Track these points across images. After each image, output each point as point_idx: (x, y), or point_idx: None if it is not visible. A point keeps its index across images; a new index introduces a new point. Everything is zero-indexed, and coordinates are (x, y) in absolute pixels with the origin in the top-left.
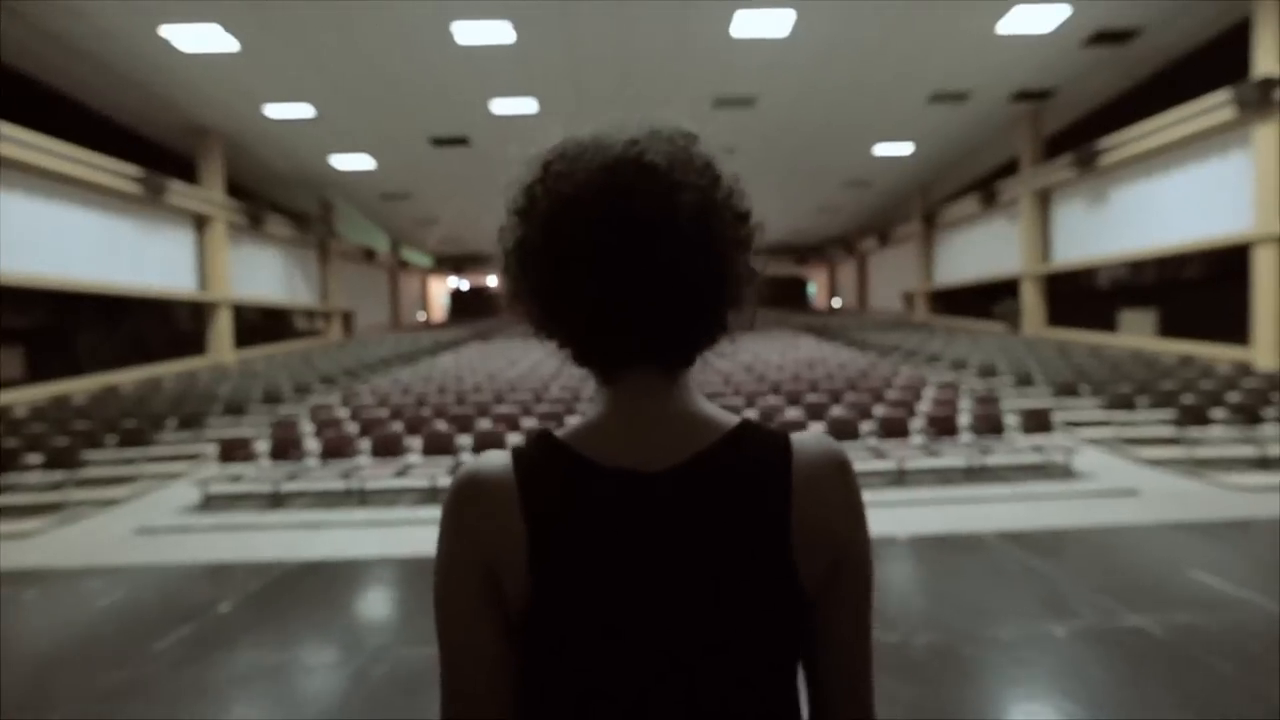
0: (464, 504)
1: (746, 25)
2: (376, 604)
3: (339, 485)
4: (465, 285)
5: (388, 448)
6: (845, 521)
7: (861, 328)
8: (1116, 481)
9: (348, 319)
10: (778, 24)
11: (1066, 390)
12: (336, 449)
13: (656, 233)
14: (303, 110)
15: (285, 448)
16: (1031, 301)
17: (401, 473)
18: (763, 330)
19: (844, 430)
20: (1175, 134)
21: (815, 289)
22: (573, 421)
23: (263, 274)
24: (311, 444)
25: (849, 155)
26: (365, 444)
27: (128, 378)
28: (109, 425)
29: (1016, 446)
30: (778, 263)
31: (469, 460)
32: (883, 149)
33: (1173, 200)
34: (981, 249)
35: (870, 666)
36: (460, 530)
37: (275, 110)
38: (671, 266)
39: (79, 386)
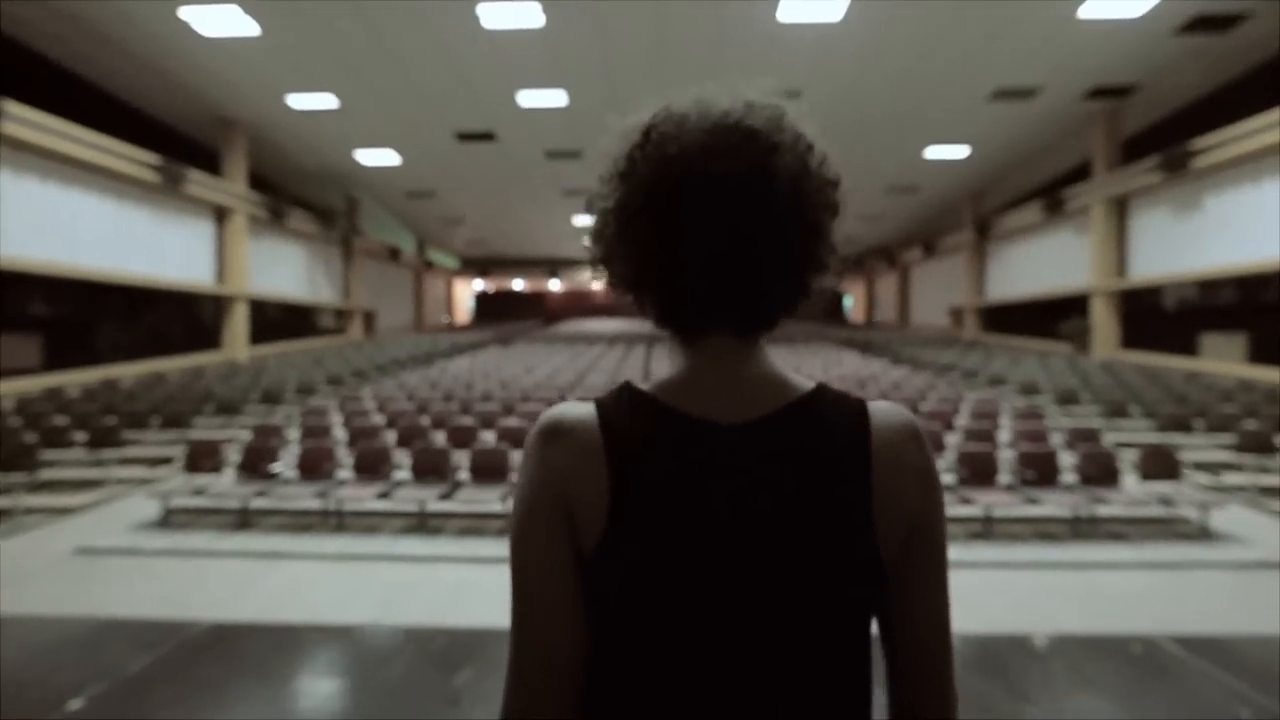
0: (547, 444)
1: (795, 8)
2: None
3: (315, 505)
4: (491, 289)
5: (372, 465)
6: (921, 489)
7: (907, 344)
8: (1272, 549)
9: (369, 319)
10: (830, 6)
11: (1176, 424)
12: (314, 464)
13: (755, 191)
14: (326, 101)
15: (256, 460)
16: (1103, 320)
17: (385, 495)
18: (801, 343)
19: None
20: None
21: (852, 302)
22: None
23: (283, 270)
24: (296, 452)
25: (897, 158)
26: (354, 456)
27: (131, 371)
28: (82, 422)
29: (1134, 496)
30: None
31: (550, 410)
32: (935, 151)
33: (1275, 211)
34: (1043, 262)
35: (950, 642)
36: (542, 470)
37: (298, 100)
38: (767, 222)
39: (80, 379)
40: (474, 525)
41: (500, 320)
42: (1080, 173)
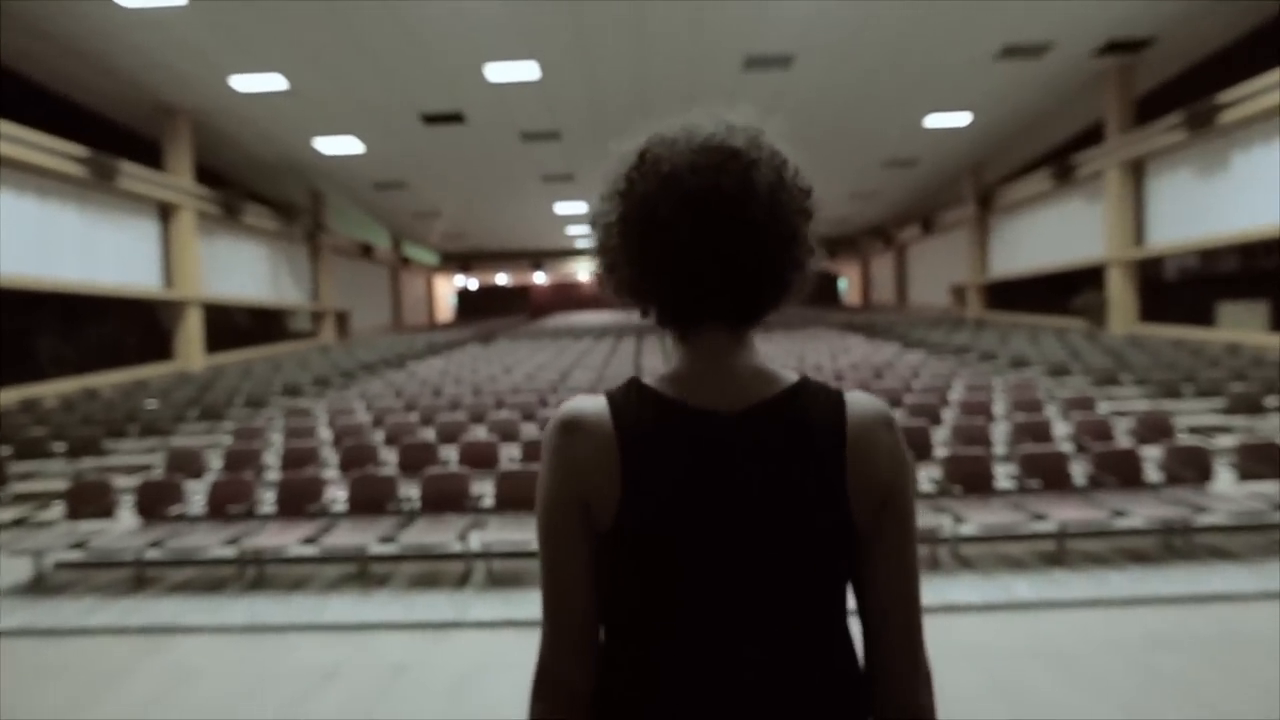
0: (565, 435)
1: None
2: None
3: (228, 552)
4: (474, 284)
5: (299, 500)
6: (891, 468)
7: (910, 325)
8: None
9: (342, 320)
10: None
11: (1248, 406)
12: (228, 501)
13: (739, 202)
14: (273, 82)
15: (156, 499)
16: (1120, 293)
17: (312, 540)
18: (801, 328)
19: (977, 483)
20: None
21: (846, 284)
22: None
23: (242, 271)
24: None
25: (894, 128)
26: (278, 490)
27: (59, 388)
28: None
29: (1231, 497)
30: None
31: (566, 402)
32: (935, 120)
33: None
34: (1051, 234)
35: (918, 602)
36: (562, 459)
37: (242, 82)
38: (750, 230)
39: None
40: (426, 574)
41: (484, 317)
42: (1088, 137)
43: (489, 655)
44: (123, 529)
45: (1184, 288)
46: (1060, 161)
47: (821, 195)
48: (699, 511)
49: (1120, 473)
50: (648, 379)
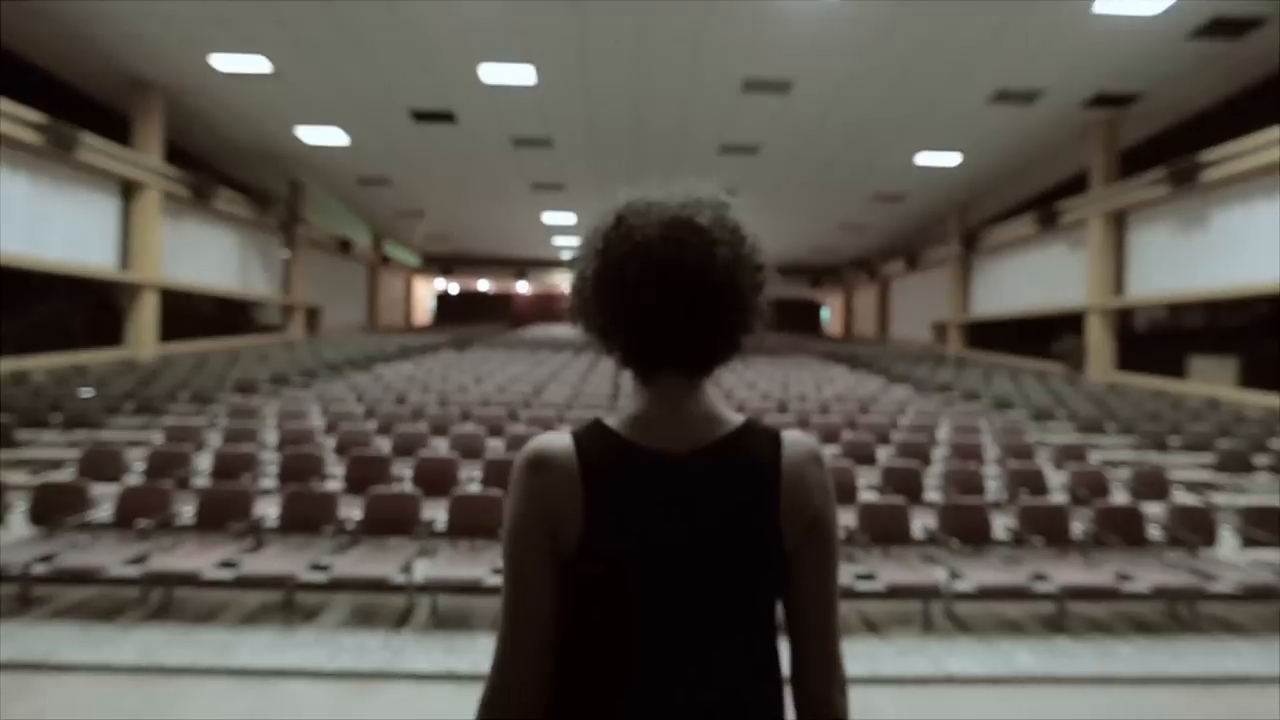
0: (535, 472)
1: None
2: None
3: (131, 572)
4: (455, 289)
5: (221, 515)
6: (819, 498)
7: (892, 359)
8: None
9: (312, 316)
10: None
11: (1238, 464)
12: (138, 511)
13: (699, 272)
14: (256, 64)
15: (55, 505)
16: (1098, 340)
17: (231, 563)
18: (783, 355)
19: (974, 535)
20: None
21: (829, 314)
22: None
23: (208, 257)
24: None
25: (886, 163)
26: (198, 502)
27: None
28: None
29: (1235, 565)
30: (790, 284)
31: (535, 439)
32: (925, 158)
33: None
34: (1033, 277)
35: (835, 612)
36: (530, 492)
37: (223, 61)
38: (706, 299)
39: None
40: (362, 607)
41: (464, 322)
42: (1072, 186)
43: (422, 715)
44: (14, 538)
45: (1154, 340)
46: (1045, 207)
47: (809, 225)
48: (652, 541)
49: (1122, 531)
50: (609, 419)
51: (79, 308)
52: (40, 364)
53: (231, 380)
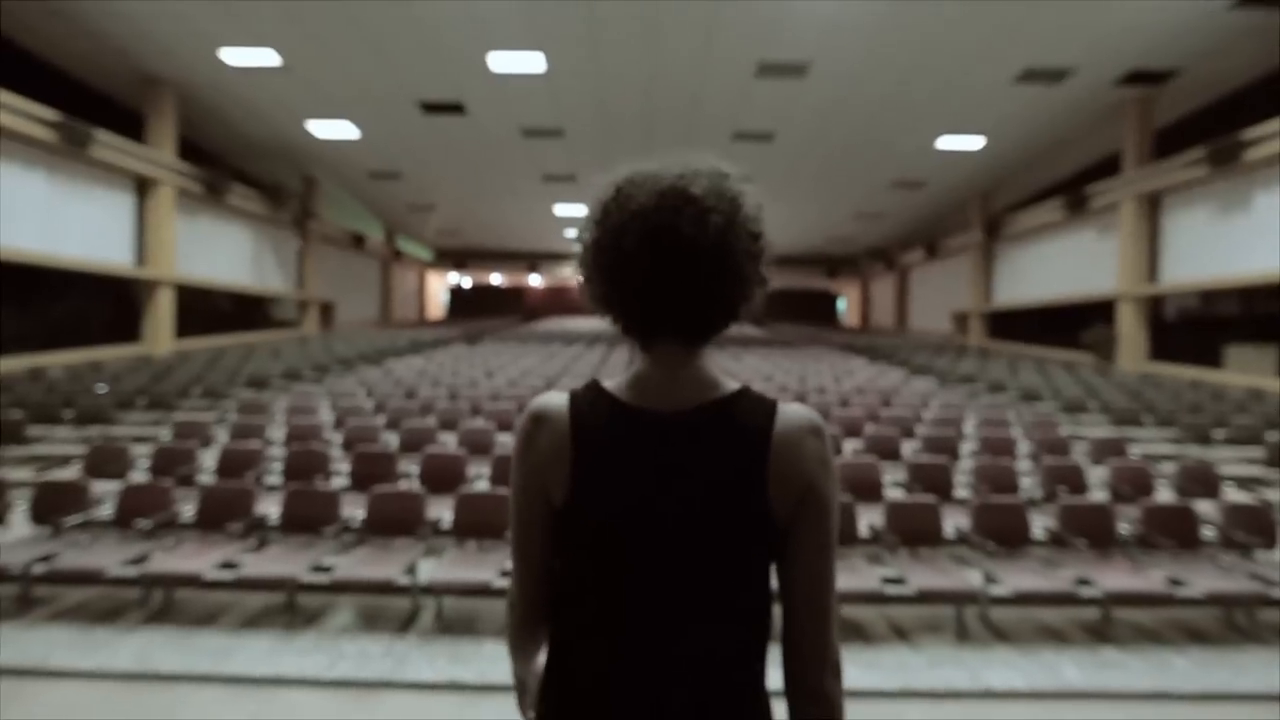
0: (532, 426)
1: None
2: None
3: (131, 572)
4: (468, 282)
5: (222, 514)
6: (813, 469)
7: (912, 349)
8: None
9: (327, 311)
10: None
11: None
12: (137, 511)
13: (692, 240)
14: (266, 57)
15: (58, 503)
16: (1130, 329)
17: (232, 564)
18: (800, 346)
19: (1011, 536)
20: None
21: (846, 305)
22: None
23: (223, 253)
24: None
25: (905, 148)
26: (199, 501)
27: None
28: None
29: None
30: (806, 274)
31: (537, 397)
32: (947, 142)
33: None
34: (1060, 264)
35: (831, 588)
36: (527, 448)
37: (233, 55)
38: (700, 267)
39: None
40: (366, 609)
41: (477, 316)
42: (1102, 169)
43: None
44: (14, 537)
45: (1185, 328)
46: (1073, 191)
47: (825, 214)
48: (638, 498)
49: (1172, 532)
50: (608, 382)
51: (96, 305)
52: (57, 360)
53: (244, 376)
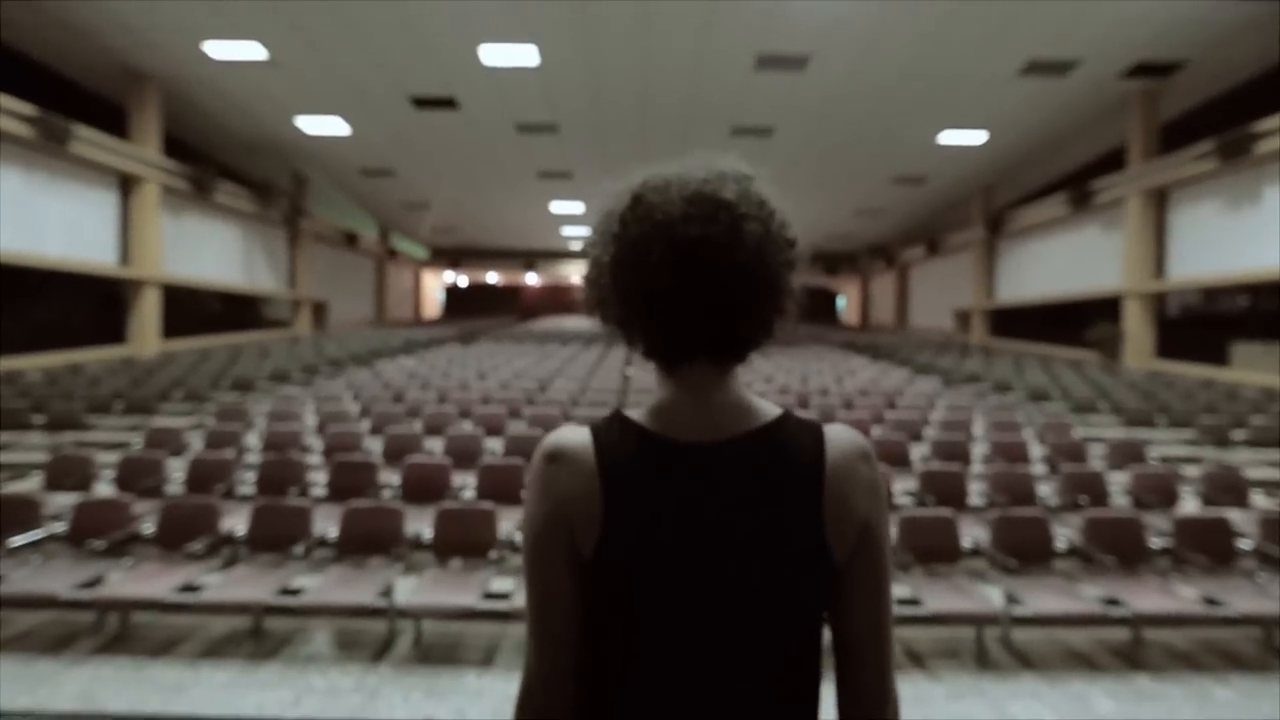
0: (550, 466)
1: None
2: None
3: (84, 596)
4: (464, 281)
5: (184, 531)
6: (868, 500)
7: (914, 348)
8: None
9: (319, 310)
10: None
11: None
12: (90, 526)
13: (727, 253)
14: (251, 50)
15: (3, 521)
16: (1136, 326)
17: (192, 586)
18: (800, 346)
19: (1033, 552)
20: None
21: (845, 302)
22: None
23: (211, 252)
24: (103, 490)
25: (907, 143)
26: (158, 517)
27: None
28: None
29: None
30: (805, 272)
31: (552, 433)
32: (949, 137)
33: None
34: (1064, 261)
35: (890, 633)
36: (547, 489)
37: (218, 49)
38: (736, 279)
39: None
40: (340, 633)
41: (473, 315)
42: (1107, 163)
43: None
44: None
45: (1189, 325)
46: (1078, 186)
47: (825, 211)
48: (678, 541)
49: (1206, 546)
50: (631, 411)
51: (80, 306)
52: (37, 363)
53: (229, 378)
